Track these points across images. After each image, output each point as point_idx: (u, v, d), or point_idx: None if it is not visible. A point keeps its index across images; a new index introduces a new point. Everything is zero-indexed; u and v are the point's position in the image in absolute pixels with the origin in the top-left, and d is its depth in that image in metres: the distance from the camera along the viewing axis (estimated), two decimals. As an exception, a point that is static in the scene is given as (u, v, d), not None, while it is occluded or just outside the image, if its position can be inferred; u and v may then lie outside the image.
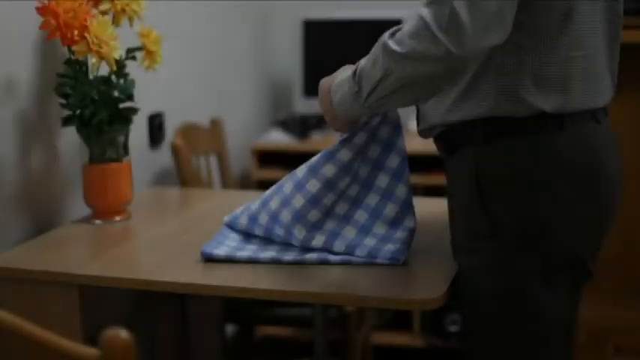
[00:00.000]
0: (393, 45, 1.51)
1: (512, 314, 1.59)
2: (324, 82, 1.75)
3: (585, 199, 1.58)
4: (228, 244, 1.85)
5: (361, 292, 1.61)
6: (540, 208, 1.56)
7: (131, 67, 2.16)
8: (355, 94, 1.61)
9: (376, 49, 1.56)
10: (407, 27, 1.50)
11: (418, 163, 3.22)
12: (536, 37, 1.54)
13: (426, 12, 1.45)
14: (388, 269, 1.70)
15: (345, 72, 1.69)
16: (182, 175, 2.67)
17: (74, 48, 1.96)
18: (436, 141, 1.74)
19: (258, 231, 1.88)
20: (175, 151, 2.65)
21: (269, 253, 1.79)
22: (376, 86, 1.56)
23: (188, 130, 2.78)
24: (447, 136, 1.67)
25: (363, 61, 1.61)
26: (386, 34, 1.55)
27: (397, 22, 3.36)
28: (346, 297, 1.63)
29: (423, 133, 1.75)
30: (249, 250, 1.82)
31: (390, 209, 1.81)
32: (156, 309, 2.28)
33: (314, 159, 1.84)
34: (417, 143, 3.30)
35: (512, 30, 1.49)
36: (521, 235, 1.57)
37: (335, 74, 1.74)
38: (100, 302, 1.96)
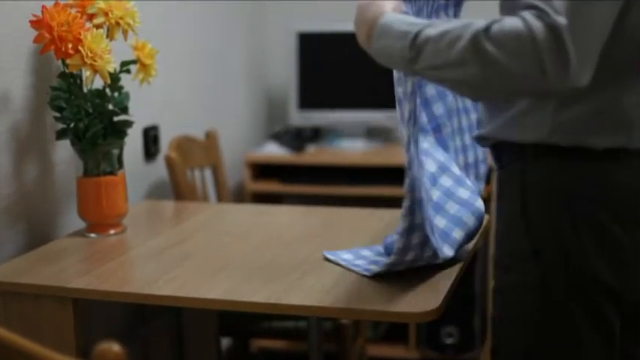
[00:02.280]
0: (487, 44, 1.36)
1: (547, 341, 1.52)
2: (368, 9, 1.59)
3: (631, 244, 1.51)
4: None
5: (356, 305, 1.61)
6: (584, 243, 1.49)
7: (126, 81, 2.16)
8: (408, 59, 1.48)
9: (459, 30, 1.40)
10: (511, 32, 1.34)
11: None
12: (612, 78, 1.47)
13: (538, 29, 1.32)
14: (384, 282, 1.70)
15: (394, 15, 1.54)
16: (177, 188, 2.67)
17: (68, 61, 1.96)
18: (490, 151, 1.68)
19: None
20: (169, 163, 2.65)
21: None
22: (440, 67, 1.43)
23: (183, 143, 2.78)
24: (498, 149, 1.62)
25: (431, 31, 1.44)
26: (479, 25, 1.38)
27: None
28: (341, 310, 1.62)
29: (478, 140, 1.69)
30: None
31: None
32: (150, 322, 2.28)
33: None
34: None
35: None
36: (562, 264, 1.50)
37: (370, 7, 1.58)
38: (94, 316, 1.95)
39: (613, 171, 1.49)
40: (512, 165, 1.57)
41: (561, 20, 1.31)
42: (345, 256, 1.86)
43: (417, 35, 1.46)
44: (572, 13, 1.32)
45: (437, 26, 1.44)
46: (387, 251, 1.81)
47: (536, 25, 1.32)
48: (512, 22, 1.34)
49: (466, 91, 1.47)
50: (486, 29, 1.36)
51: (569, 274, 1.50)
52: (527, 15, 1.33)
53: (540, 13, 1.32)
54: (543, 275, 1.51)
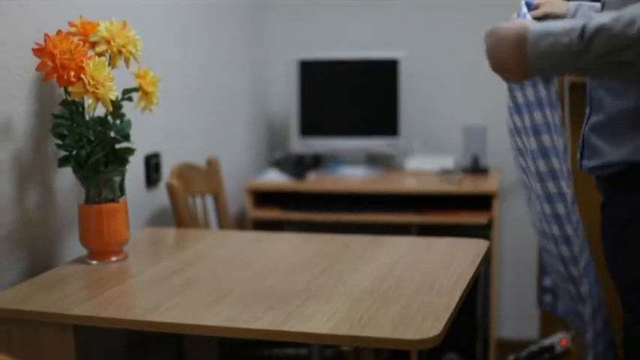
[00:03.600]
0: None
1: None
2: (504, 30, 1.62)
3: None
4: None
5: (357, 332, 1.60)
6: None
7: (128, 108, 2.17)
8: (578, 52, 1.50)
9: (630, 14, 1.46)
10: None
11: (412, 202, 3.22)
12: None
13: None
14: (385, 308, 1.70)
15: (543, 23, 1.58)
16: (178, 215, 2.67)
17: (70, 89, 1.97)
18: (608, 178, 1.68)
19: None
20: (171, 190, 2.66)
21: None
22: (618, 49, 1.46)
23: (184, 170, 2.78)
24: (629, 173, 1.62)
25: (600, 20, 1.49)
26: None
27: (391, 62, 3.41)
28: (342, 337, 1.62)
29: (594, 170, 1.69)
30: None
31: None
32: (152, 349, 2.27)
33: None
34: (410, 182, 3.32)
35: None
36: None
37: (508, 24, 1.62)
38: (95, 343, 1.95)
39: None
40: None
41: None
42: None
43: (584, 26, 1.49)
44: None
45: (603, 16, 1.48)
46: None
47: None
48: None
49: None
50: None
51: None
52: None
53: None
54: None
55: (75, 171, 2.09)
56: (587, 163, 1.71)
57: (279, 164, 3.49)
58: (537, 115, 1.79)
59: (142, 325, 1.72)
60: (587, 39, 1.48)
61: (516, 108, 1.81)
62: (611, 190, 1.68)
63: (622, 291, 1.69)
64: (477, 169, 3.37)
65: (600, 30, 1.48)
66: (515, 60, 1.59)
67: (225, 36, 3.32)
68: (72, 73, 1.94)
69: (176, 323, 1.70)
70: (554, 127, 1.80)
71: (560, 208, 1.86)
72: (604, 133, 1.65)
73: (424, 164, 3.46)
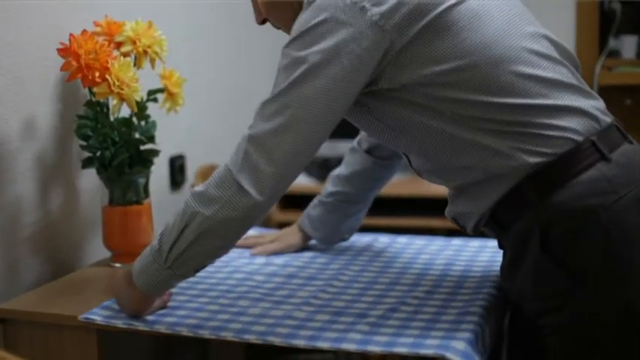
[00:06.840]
0: (197, 188, 1.56)
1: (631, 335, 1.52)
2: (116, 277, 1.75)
3: None
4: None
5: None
6: (617, 243, 1.49)
7: (152, 109, 2.15)
8: (156, 254, 1.60)
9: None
10: (213, 175, 1.57)
11: (439, 206, 3.19)
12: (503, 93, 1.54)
13: (232, 155, 1.57)
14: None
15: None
16: (203, 218, 2.65)
17: (95, 89, 1.95)
18: (487, 226, 1.66)
19: None
20: (196, 193, 2.64)
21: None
22: (178, 237, 1.56)
23: (209, 172, 2.76)
24: (496, 216, 1.61)
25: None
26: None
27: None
28: (372, 353, 1.59)
29: (479, 224, 1.67)
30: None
31: None
32: (176, 354, 2.25)
33: None
34: (437, 186, 3.28)
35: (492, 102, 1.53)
36: (612, 276, 1.50)
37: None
38: (119, 348, 1.93)
39: (610, 165, 1.54)
40: (518, 219, 1.56)
41: (248, 132, 1.57)
42: None
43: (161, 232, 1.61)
44: (261, 120, 1.56)
45: None
46: None
47: (233, 152, 1.57)
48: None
49: (205, 247, 1.58)
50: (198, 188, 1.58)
51: (624, 282, 1.50)
52: None
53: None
54: (596, 295, 1.50)
55: (99, 172, 2.07)
56: (469, 224, 1.68)
57: (305, 167, 3.46)
58: None
59: (164, 330, 1.70)
60: (159, 239, 1.60)
61: None
62: (493, 229, 1.66)
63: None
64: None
65: (164, 228, 1.60)
66: (128, 287, 1.68)
67: (252, 36, 3.30)
68: (97, 74, 1.92)
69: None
70: None
71: None
72: (462, 199, 1.65)
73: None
